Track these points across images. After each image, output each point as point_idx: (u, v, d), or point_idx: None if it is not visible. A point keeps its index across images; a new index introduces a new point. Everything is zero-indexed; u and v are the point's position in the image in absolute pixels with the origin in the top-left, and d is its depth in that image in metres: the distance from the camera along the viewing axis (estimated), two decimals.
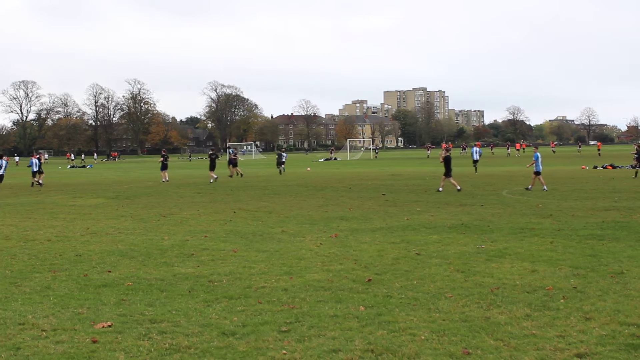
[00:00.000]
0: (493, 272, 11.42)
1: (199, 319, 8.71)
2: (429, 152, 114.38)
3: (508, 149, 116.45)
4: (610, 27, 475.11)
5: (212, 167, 43.25)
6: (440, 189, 30.45)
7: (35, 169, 41.48)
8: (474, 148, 56.47)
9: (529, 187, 30.41)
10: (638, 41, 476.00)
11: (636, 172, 40.04)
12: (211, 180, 41.83)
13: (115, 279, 11.42)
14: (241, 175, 47.73)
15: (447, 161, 31.08)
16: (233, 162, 48.59)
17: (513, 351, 7.19)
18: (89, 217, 21.81)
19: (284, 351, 7.31)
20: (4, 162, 37.18)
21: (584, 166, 54.79)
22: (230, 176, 47.02)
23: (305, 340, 7.69)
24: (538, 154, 30.98)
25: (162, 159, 44.49)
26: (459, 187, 30.14)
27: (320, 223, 19.07)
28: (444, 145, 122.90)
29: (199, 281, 11.15)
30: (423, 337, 7.72)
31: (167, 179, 43.34)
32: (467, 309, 8.98)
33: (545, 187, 29.71)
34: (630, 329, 7.86)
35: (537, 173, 30.41)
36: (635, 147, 44.77)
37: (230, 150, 51.88)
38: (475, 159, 53.51)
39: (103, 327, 8.34)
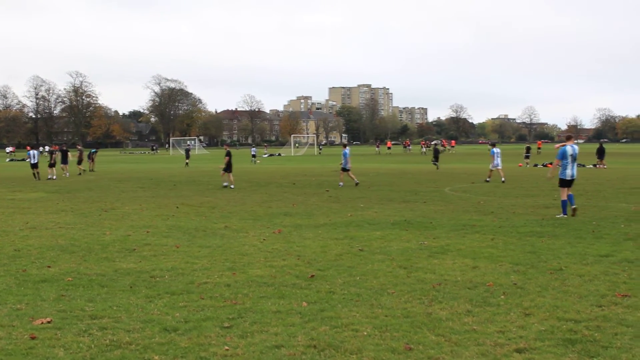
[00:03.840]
0: (435, 269, 11.52)
1: (141, 314, 8.62)
2: (378, 148, 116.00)
3: (444, 145, 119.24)
4: (551, 31, 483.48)
5: (64, 161, 43.27)
6: (225, 184, 32.27)
7: None
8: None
9: (340, 183, 32.74)
10: (577, 44, 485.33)
11: (437, 166, 48.54)
12: (54, 177, 41.28)
13: (55, 275, 11.25)
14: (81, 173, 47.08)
15: (229, 157, 32.85)
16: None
17: (454, 346, 7.26)
18: (28, 211, 21.44)
19: (226, 347, 7.27)
20: None
21: (520, 164, 56.10)
22: (82, 172, 47.79)
23: (247, 336, 7.66)
24: (346, 150, 33.55)
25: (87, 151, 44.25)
26: (232, 186, 32.01)
27: (264, 219, 19.03)
28: (389, 143, 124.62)
29: (141, 277, 11.03)
30: (365, 333, 7.75)
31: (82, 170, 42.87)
32: (410, 304, 9.04)
33: (356, 181, 32.54)
34: (568, 325, 8.00)
35: (344, 170, 32.99)
36: (526, 146, 58.88)
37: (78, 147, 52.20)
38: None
39: (42, 323, 8.20)
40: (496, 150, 35.81)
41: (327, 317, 8.44)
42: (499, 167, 35.09)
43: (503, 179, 34.14)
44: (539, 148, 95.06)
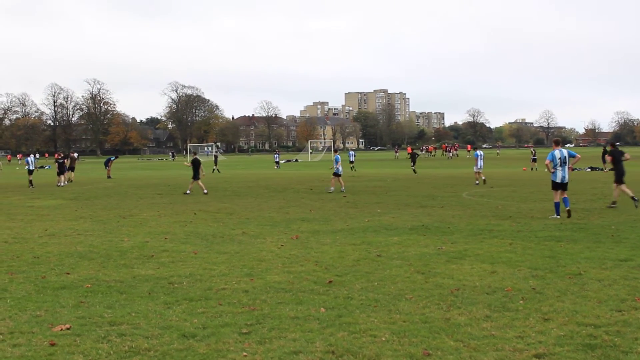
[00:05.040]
0: (453, 274, 11.48)
1: (159, 321, 8.64)
2: (397, 154, 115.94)
3: (449, 151, 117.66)
4: (568, 34, 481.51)
5: (61, 171, 42.93)
6: (188, 192, 32.35)
7: None
8: (350, 152, 69.46)
9: (331, 188, 32.43)
10: (594, 46, 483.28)
11: (414, 170, 52.37)
12: (60, 184, 41.59)
13: (74, 281, 11.30)
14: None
15: (195, 164, 33.29)
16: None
17: (473, 352, 7.23)
18: (47, 219, 21.55)
19: (245, 353, 7.28)
20: None
21: (524, 168, 57.76)
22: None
23: (265, 342, 7.66)
24: (338, 156, 33.74)
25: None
26: (188, 192, 32.48)
27: (281, 224, 19.04)
28: (409, 148, 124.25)
29: (159, 283, 11.07)
30: (384, 339, 7.73)
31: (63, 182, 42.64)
32: (428, 310, 9.02)
33: (343, 189, 32.26)
34: (588, 330, 7.95)
35: (337, 175, 32.73)
36: (532, 149, 63.70)
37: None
38: (351, 160, 65.87)
39: (61, 329, 8.23)
40: (479, 152, 37.90)
41: (345, 322, 8.43)
42: (480, 170, 37.03)
43: (484, 178, 36.59)
44: None
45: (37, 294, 10.39)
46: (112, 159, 55.77)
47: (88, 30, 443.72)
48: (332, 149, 42.66)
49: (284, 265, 12.60)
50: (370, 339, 7.73)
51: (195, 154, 36.52)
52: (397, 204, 24.93)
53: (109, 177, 51.51)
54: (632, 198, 21.93)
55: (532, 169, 55.95)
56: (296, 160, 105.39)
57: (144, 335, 7.98)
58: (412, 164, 53.83)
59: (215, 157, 67.92)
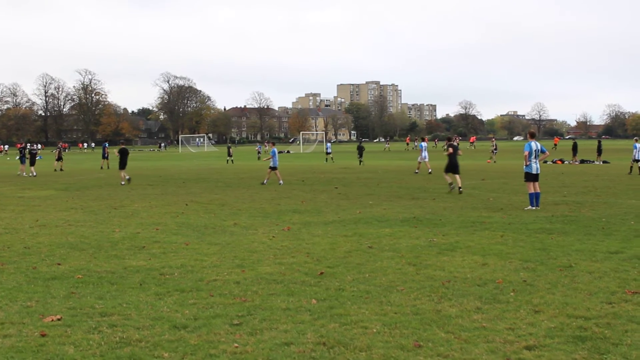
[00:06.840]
0: (444, 266, 11.50)
1: (150, 312, 8.63)
2: (387, 145, 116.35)
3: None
4: (560, 27, 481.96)
5: (32, 162, 43.60)
6: (123, 182, 33.16)
7: None
8: (327, 143, 70.81)
9: (264, 181, 32.47)
10: (589, 40, 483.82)
11: (360, 162, 53.40)
12: (32, 175, 42.04)
13: (65, 272, 11.27)
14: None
15: (122, 154, 33.93)
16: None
17: (464, 344, 7.25)
18: (38, 209, 21.50)
19: (236, 344, 7.28)
20: None
21: (489, 160, 58.71)
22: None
23: (257, 334, 7.66)
24: (275, 149, 33.69)
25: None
26: (122, 182, 33.28)
27: (273, 216, 19.04)
28: (407, 139, 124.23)
29: (151, 274, 11.05)
30: (375, 330, 7.74)
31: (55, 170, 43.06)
32: (419, 302, 9.03)
33: (281, 182, 32.02)
34: (578, 322, 7.98)
35: (273, 168, 32.64)
36: (493, 141, 65.15)
37: None
38: (328, 151, 65.56)
39: (52, 320, 8.22)
40: (424, 144, 41.42)
41: (337, 314, 8.43)
42: (426, 160, 40.03)
43: (430, 170, 39.02)
44: (555, 144, 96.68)
45: (28, 284, 10.37)
46: (105, 145, 55.83)
47: (81, 20, 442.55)
48: (269, 142, 42.00)
49: (276, 256, 12.60)
50: (361, 331, 7.73)
51: (123, 143, 36.55)
52: (388, 196, 24.95)
53: (101, 167, 51.49)
54: (459, 188, 25.58)
55: (493, 161, 56.83)
56: (288, 152, 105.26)
57: (135, 326, 7.97)
58: (358, 155, 54.06)
59: (229, 148, 68.00)
